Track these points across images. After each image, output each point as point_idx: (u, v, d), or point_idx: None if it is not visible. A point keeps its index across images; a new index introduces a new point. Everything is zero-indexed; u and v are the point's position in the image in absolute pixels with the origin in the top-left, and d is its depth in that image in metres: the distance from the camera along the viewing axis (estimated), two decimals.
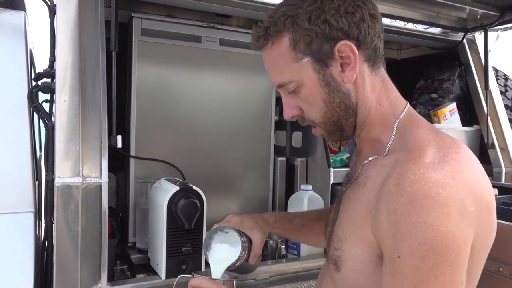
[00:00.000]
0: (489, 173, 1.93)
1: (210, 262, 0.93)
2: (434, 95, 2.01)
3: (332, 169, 1.56)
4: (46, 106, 1.22)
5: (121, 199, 1.60)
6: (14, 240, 1.09)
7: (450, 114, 1.89)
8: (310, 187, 1.50)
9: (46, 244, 1.17)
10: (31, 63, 1.35)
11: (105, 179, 1.09)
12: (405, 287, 0.65)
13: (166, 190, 1.19)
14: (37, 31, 1.60)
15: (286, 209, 1.59)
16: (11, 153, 1.15)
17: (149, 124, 1.46)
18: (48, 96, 1.24)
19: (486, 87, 1.91)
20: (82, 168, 1.07)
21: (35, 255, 1.10)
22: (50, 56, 1.25)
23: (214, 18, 1.62)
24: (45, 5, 1.28)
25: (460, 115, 1.93)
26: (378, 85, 0.80)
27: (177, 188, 1.17)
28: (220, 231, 0.97)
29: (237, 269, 0.97)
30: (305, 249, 1.44)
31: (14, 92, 1.19)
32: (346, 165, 1.62)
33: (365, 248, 0.73)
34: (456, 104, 1.93)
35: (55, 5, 1.20)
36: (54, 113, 1.16)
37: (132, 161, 1.44)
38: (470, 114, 2.01)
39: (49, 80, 1.23)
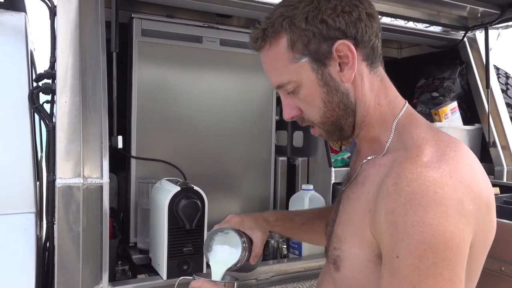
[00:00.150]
0: (491, 171, 1.92)
1: (210, 263, 0.93)
2: (435, 94, 2.00)
3: (333, 169, 1.56)
4: (47, 107, 1.22)
5: (122, 199, 1.60)
6: (16, 241, 1.10)
7: (451, 113, 1.89)
8: (311, 186, 1.50)
9: (48, 245, 1.17)
10: (31, 64, 1.36)
11: (106, 179, 1.09)
12: (404, 286, 0.65)
13: (167, 191, 1.19)
14: (37, 32, 1.60)
15: (287, 209, 1.59)
16: (12, 154, 1.16)
17: (150, 125, 1.46)
18: (49, 97, 1.24)
19: (487, 85, 1.90)
20: (83, 169, 1.07)
21: (37, 255, 1.10)
22: (50, 57, 1.25)
23: (215, 18, 1.62)
24: (45, 6, 1.28)
25: (461, 113, 1.93)
26: (376, 84, 0.80)
27: (178, 188, 1.17)
28: (220, 232, 0.97)
29: (238, 269, 0.97)
30: (306, 249, 1.44)
31: (15, 93, 1.19)
32: (347, 165, 1.62)
33: (364, 248, 0.73)
34: (457, 102, 1.93)
35: (55, 6, 1.20)
36: (55, 114, 1.17)
37: (133, 162, 1.44)
38: (471, 112, 2.00)
39: (49, 81, 1.23)
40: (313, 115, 0.80)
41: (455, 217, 0.63)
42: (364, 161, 0.80)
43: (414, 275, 0.63)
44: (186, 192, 1.18)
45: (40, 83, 1.22)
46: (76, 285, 1.04)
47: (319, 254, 1.42)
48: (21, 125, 1.18)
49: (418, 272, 0.63)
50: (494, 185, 1.66)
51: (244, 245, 0.93)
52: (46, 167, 1.17)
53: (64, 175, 1.05)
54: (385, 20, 1.82)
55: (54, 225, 1.12)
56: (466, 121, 1.95)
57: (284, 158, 1.72)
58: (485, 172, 0.74)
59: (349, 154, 1.66)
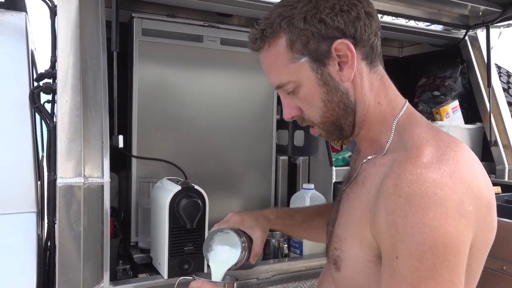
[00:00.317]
0: (492, 170, 1.92)
1: (210, 264, 0.93)
2: (436, 93, 2.00)
3: (334, 168, 1.56)
4: (48, 107, 1.23)
5: (123, 198, 1.60)
6: (17, 240, 1.10)
7: (453, 112, 1.89)
8: (312, 186, 1.50)
9: (49, 244, 1.17)
10: (32, 64, 1.36)
11: (107, 179, 1.09)
12: (404, 287, 0.64)
13: (168, 190, 1.19)
14: (38, 32, 1.60)
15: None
16: (13, 154, 1.16)
17: (151, 124, 1.46)
18: (49, 97, 1.25)
19: (488, 84, 1.90)
20: (84, 168, 1.08)
21: (38, 255, 1.11)
22: (51, 56, 1.25)
23: (215, 17, 1.62)
24: (46, 6, 1.29)
25: (462, 112, 1.92)
26: (376, 83, 0.80)
27: (179, 187, 1.17)
28: (220, 232, 0.97)
29: (238, 267, 0.97)
30: (307, 248, 1.44)
31: (16, 93, 1.19)
32: (348, 164, 1.62)
33: (364, 248, 0.73)
34: (459, 101, 1.92)
35: (55, 6, 1.20)
36: (55, 113, 1.17)
37: (134, 161, 1.44)
38: (473, 111, 2.00)
39: (50, 80, 1.24)
40: (313, 115, 0.80)
41: (455, 218, 0.63)
42: (364, 161, 0.80)
43: (414, 276, 0.63)
44: (187, 192, 1.18)
45: (41, 83, 1.22)
46: (77, 284, 1.04)
47: (320, 253, 1.42)
48: (22, 125, 1.18)
49: (417, 273, 0.63)
50: (495, 184, 1.66)
51: (243, 244, 0.93)
52: (47, 167, 1.17)
53: (65, 175, 1.05)
54: (386, 19, 1.81)
55: (55, 225, 1.12)
56: (467, 120, 1.95)
57: (285, 157, 1.72)
58: (485, 172, 0.74)
59: (350, 153, 1.66)
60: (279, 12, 0.77)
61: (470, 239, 0.66)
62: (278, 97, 1.66)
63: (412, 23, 1.90)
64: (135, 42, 1.43)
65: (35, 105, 1.19)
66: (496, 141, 1.92)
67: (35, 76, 1.28)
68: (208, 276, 0.92)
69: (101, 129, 1.11)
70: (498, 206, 0.75)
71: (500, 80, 2.21)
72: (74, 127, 1.08)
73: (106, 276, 1.08)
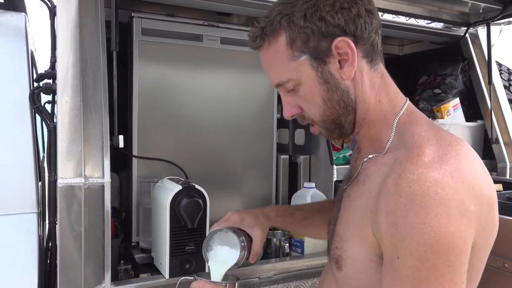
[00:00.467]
0: (494, 168, 1.92)
1: (210, 264, 0.93)
2: (437, 91, 2.00)
3: (335, 167, 1.56)
4: (48, 107, 1.22)
5: (124, 198, 1.60)
6: (18, 241, 1.10)
7: (454, 110, 1.88)
8: (313, 184, 1.50)
9: (50, 245, 1.17)
10: (32, 64, 1.36)
11: (107, 179, 1.09)
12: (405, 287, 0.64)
13: (168, 190, 1.19)
14: (38, 32, 1.60)
15: None
16: (14, 155, 1.16)
17: (151, 124, 1.46)
18: (50, 97, 1.24)
19: (489, 81, 1.89)
20: (84, 169, 1.07)
21: (39, 255, 1.11)
22: (51, 57, 1.25)
23: (215, 16, 1.62)
24: (45, 6, 1.28)
25: (463, 110, 1.92)
26: (377, 81, 0.80)
27: (180, 187, 1.17)
28: (219, 231, 0.97)
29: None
30: (308, 247, 1.44)
31: (16, 93, 1.19)
32: (349, 162, 1.61)
33: (366, 247, 0.73)
34: (460, 99, 1.92)
35: (55, 6, 1.20)
36: (56, 114, 1.17)
37: (134, 161, 1.44)
38: (474, 109, 1.99)
39: (50, 81, 1.23)
40: (313, 113, 0.80)
41: (456, 218, 0.63)
42: (365, 160, 0.80)
43: (415, 276, 0.63)
44: (187, 191, 1.18)
45: (41, 83, 1.22)
46: (79, 284, 1.04)
47: (321, 252, 1.42)
48: (22, 126, 1.18)
49: (418, 273, 0.63)
50: (496, 181, 1.65)
51: (243, 244, 0.92)
52: (48, 167, 1.17)
53: (66, 175, 1.05)
54: (386, 17, 1.81)
55: (56, 225, 1.12)
56: (468, 118, 1.94)
57: (286, 156, 1.72)
58: (487, 170, 0.74)
59: (350, 152, 1.66)
60: (279, 10, 0.76)
61: (471, 239, 0.66)
62: (279, 96, 1.66)
63: (412, 21, 1.89)
64: (134, 42, 1.42)
65: (35, 106, 1.19)
66: (497, 139, 1.91)
67: (35, 76, 1.28)
68: (209, 276, 0.92)
69: (101, 129, 1.11)
70: (499, 204, 0.75)
71: (501, 77, 2.21)
72: (74, 128, 1.08)
73: (108, 276, 1.08)
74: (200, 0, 1.47)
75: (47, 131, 1.20)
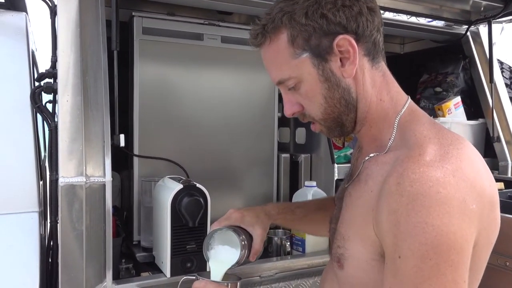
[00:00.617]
0: (495, 166, 1.91)
1: (210, 263, 0.93)
2: (438, 89, 1.99)
3: (336, 165, 1.56)
4: (49, 107, 1.23)
5: (126, 197, 1.60)
6: (20, 240, 1.10)
7: (455, 108, 1.88)
8: (314, 183, 1.49)
9: (51, 244, 1.17)
10: (33, 64, 1.36)
11: (108, 178, 1.09)
12: (406, 287, 0.64)
13: (169, 188, 1.19)
14: (38, 31, 1.60)
15: None
16: (16, 154, 1.16)
17: (152, 123, 1.46)
18: (51, 97, 1.25)
19: (491, 80, 1.89)
20: (85, 168, 1.08)
21: (41, 254, 1.11)
22: (52, 56, 1.26)
23: (215, 15, 1.62)
24: (46, 5, 1.29)
25: (465, 108, 1.92)
26: (378, 79, 0.80)
27: (181, 186, 1.17)
28: (219, 230, 0.97)
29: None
30: (310, 245, 1.44)
31: (17, 93, 1.19)
32: (350, 161, 1.61)
33: (368, 246, 0.73)
34: (461, 97, 1.92)
35: (56, 6, 1.20)
36: (57, 113, 1.17)
37: (135, 160, 1.44)
38: (475, 107, 1.99)
39: (51, 80, 1.24)
40: (314, 111, 0.80)
41: (458, 217, 0.63)
42: (366, 158, 0.80)
43: (417, 275, 0.63)
44: (188, 190, 1.18)
45: (42, 83, 1.22)
46: (80, 283, 1.04)
47: (322, 251, 1.42)
48: (24, 125, 1.18)
49: (420, 273, 0.63)
50: (498, 180, 1.65)
51: (243, 243, 0.92)
52: (49, 166, 1.17)
53: (67, 174, 1.05)
54: (387, 15, 1.80)
55: (58, 224, 1.12)
56: (469, 116, 1.94)
57: (287, 155, 1.72)
58: (488, 169, 0.73)
59: (351, 150, 1.66)
60: (280, 7, 0.76)
61: (473, 238, 0.66)
62: (280, 95, 1.66)
63: (413, 19, 1.89)
64: (135, 41, 1.43)
65: (36, 105, 1.19)
66: (498, 137, 1.91)
67: (36, 76, 1.28)
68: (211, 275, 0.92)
69: (102, 128, 1.11)
70: (501, 202, 0.75)
71: (503, 75, 2.20)
72: (75, 127, 1.09)
73: (109, 275, 1.08)
74: None
75: (48, 130, 1.20)
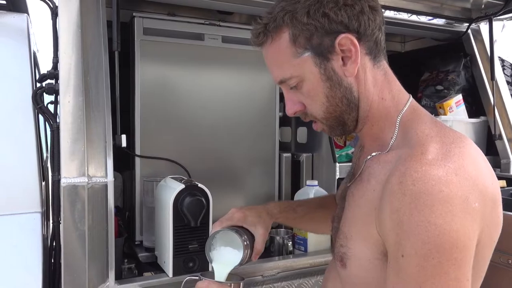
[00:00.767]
0: (497, 164, 1.91)
1: (213, 264, 0.93)
2: (439, 87, 1.99)
3: (337, 164, 1.56)
4: (51, 108, 1.23)
5: (128, 198, 1.61)
6: (22, 241, 1.11)
7: (456, 106, 1.87)
8: (316, 182, 1.49)
9: (54, 244, 1.18)
10: (35, 65, 1.36)
11: (110, 178, 1.09)
12: (410, 286, 0.64)
13: (171, 188, 1.19)
14: (40, 33, 1.61)
15: None
16: (18, 155, 1.16)
17: (154, 123, 1.46)
18: (52, 97, 1.25)
19: (492, 77, 1.88)
20: (87, 168, 1.08)
21: (43, 255, 1.11)
22: (53, 57, 1.26)
23: (216, 15, 1.62)
24: (47, 7, 1.29)
25: (466, 106, 1.91)
26: (380, 78, 0.80)
27: (183, 186, 1.18)
28: (222, 231, 0.97)
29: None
30: (312, 245, 1.44)
31: (19, 94, 1.20)
32: (351, 160, 1.61)
33: (370, 245, 0.73)
34: (462, 95, 1.91)
35: (57, 7, 1.21)
36: (58, 114, 1.17)
37: (137, 160, 1.45)
38: (477, 105, 1.99)
39: (53, 81, 1.24)
40: (316, 110, 0.80)
41: (460, 215, 0.63)
42: (368, 157, 0.80)
43: (420, 274, 0.63)
44: (190, 190, 1.18)
45: (43, 84, 1.23)
46: (83, 283, 1.05)
47: (324, 250, 1.42)
48: (26, 126, 1.18)
49: (423, 271, 0.63)
50: (500, 178, 1.65)
51: (245, 243, 0.92)
52: (51, 167, 1.18)
53: (69, 175, 1.06)
54: (388, 13, 1.80)
55: (60, 225, 1.12)
56: (471, 114, 1.94)
57: (288, 155, 1.72)
58: (490, 167, 0.73)
59: (353, 150, 1.66)
60: (282, 6, 0.76)
61: (476, 236, 0.66)
62: (281, 94, 1.66)
63: (414, 17, 1.88)
64: (136, 42, 1.43)
65: (38, 106, 1.20)
66: (500, 135, 1.90)
67: (37, 77, 1.29)
68: (214, 275, 0.92)
69: (104, 129, 1.11)
70: (503, 200, 0.75)
71: (504, 73, 2.19)
72: (77, 127, 1.09)
73: (112, 275, 1.08)
74: None
75: (50, 131, 1.20)
